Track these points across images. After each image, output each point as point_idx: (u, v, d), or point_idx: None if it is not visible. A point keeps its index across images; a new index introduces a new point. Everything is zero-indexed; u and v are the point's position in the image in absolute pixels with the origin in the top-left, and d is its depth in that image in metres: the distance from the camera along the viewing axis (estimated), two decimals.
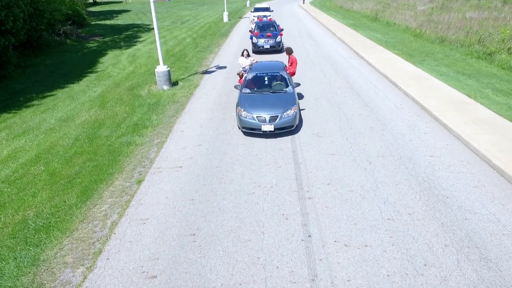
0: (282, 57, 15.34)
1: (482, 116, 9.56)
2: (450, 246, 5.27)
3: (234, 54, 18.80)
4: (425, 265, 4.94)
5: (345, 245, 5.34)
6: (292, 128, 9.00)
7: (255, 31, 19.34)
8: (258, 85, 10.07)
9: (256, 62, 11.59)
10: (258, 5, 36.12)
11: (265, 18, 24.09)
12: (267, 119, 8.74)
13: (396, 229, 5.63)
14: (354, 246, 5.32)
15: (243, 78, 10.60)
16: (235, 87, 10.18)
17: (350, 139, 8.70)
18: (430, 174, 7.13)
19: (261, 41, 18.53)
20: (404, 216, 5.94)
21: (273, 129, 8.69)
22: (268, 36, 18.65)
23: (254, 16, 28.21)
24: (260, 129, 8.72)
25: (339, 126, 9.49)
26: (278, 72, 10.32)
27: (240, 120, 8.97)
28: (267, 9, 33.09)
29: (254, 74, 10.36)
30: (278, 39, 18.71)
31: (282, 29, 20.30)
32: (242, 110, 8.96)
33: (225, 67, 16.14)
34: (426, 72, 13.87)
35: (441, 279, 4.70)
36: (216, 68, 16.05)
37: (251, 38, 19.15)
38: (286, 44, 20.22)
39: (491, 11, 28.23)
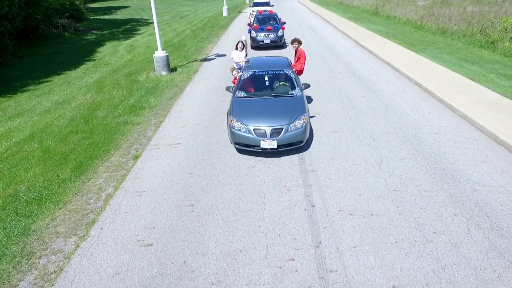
0: (285, 54, 14.48)
1: (487, 98, 9.34)
2: (460, 215, 5.04)
3: (234, 43, 18.50)
4: (434, 232, 4.71)
5: (350, 214, 5.11)
6: (302, 144, 6.88)
7: (254, 24, 17.63)
8: (257, 86, 7.90)
9: (248, 61, 8.78)
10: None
11: (266, 11, 22.90)
12: (268, 132, 6.50)
13: (402, 200, 5.41)
14: (360, 215, 5.09)
15: (238, 77, 8.25)
16: (227, 89, 7.92)
17: (353, 118, 8.48)
18: (436, 150, 6.91)
19: (260, 35, 16.59)
20: (410, 187, 5.71)
21: (275, 146, 6.48)
22: (268, 29, 16.78)
23: (253, 11, 26.15)
24: (259, 146, 6.51)
25: (341, 107, 9.26)
26: (282, 70, 8.06)
27: (231, 133, 6.71)
28: (267, 4, 30.73)
29: (251, 72, 8.03)
30: (280, 33, 16.81)
31: (284, 22, 18.61)
32: (235, 121, 6.71)
33: (224, 55, 15.91)
34: (428, 59, 13.67)
35: (452, 245, 4.47)
36: (216, 56, 15.83)
37: (250, 32, 17.32)
38: (289, 39, 18.32)
39: (491, 6, 28.06)
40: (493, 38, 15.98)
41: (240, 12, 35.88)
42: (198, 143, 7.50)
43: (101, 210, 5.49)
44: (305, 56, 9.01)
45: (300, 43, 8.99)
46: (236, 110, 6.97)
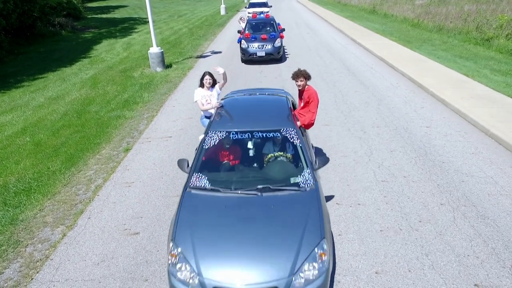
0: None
1: (479, 92, 9.36)
2: (446, 204, 5.05)
3: (230, 41, 18.61)
4: (420, 221, 4.72)
5: (336, 203, 5.13)
6: None
7: (246, 31, 14.21)
8: (232, 166, 4.39)
9: (221, 105, 5.12)
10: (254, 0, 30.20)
11: (261, 15, 19.82)
12: None
13: (390, 190, 5.42)
14: (346, 204, 5.10)
15: (200, 144, 4.48)
16: (180, 165, 4.26)
17: (345, 112, 8.50)
18: (426, 142, 6.93)
19: (253, 46, 13.16)
20: (399, 178, 5.73)
21: None
22: (263, 39, 13.40)
23: (248, 13, 23.88)
24: None
25: (334, 101, 9.28)
26: (278, 132, 4.42)
27: None
28: (264, 4, 28.31)
29: (222, 133, 4.44)
30: (278, 43, 13.35)
31: (283, 29, 15.03)
32: (179, 259, 3.28)
33: (220, 52, 15.93)
34: (423, 56, 13.69)
35: (436, 234, 4.48)
36: (211, 53, 15.84)
37: (239, 42, 13.62)
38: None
39: (489, 4, 28.08)
40: (489, 35, 16.01)
41: (238, 10, 35.91)
42: (189, 136, 7.51)
43: (89, 200, 5.50)
44: (317, 100, 5.10)
45: (307, 78, 5.09)
46: (183, 229, 3.44)
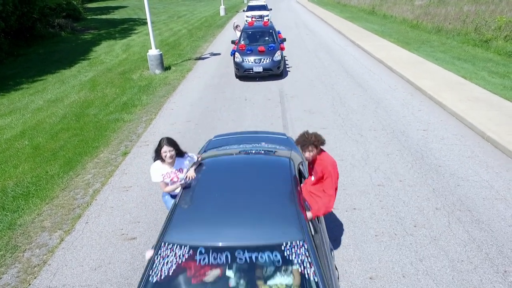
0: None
1: (477, 95, 9.39)
2: (442, 209, 5.09)
3: (229, 43, 18.61)
4: (414, 226, 4.76)
5: (332, 208, 5.15)
6: None
7: (241, 41, 12.55)
8: None
9: (199, 165, 3.73)
10: (252, 2, 27.96)
11: (259, 21, 18.74)
12: None
13: (386, 194, 5.45)
14: (342, 209, 5.14)
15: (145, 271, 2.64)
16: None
17: (342, 115, 8.53)
18: (423, 146, 6.96)
19: (249, 60, 11.26)
20: (395, 182, 5.76)
21: None
22: (260, 51, 11.53)
23: (247, 17, 22.89)
24: None
25: (332, 103, 9.31)
26: (277, 250, 2.54)
27: None
28: (263, 7, 25.75)
29: (182, 254, 2.58)
30: (278, 56, 11.43)
31: (284, 40, 13.09)
32: None
33: (219, 54, 15.96)
34: (421, 57, 13.71)
35: (431, 239, 4.52)
36: (210, 55, 15.88)
37: (233, 55, 11.81)
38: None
39: (488, 5, 28.10)
40: (487, 37, 16.03)
41: (237, 11, 35.94)
42: (187, 140, 7.54)
43: (87, 205, 5.53)
44: (336, 175, 3.55)
45: (317, 145, 3.53)
46: None
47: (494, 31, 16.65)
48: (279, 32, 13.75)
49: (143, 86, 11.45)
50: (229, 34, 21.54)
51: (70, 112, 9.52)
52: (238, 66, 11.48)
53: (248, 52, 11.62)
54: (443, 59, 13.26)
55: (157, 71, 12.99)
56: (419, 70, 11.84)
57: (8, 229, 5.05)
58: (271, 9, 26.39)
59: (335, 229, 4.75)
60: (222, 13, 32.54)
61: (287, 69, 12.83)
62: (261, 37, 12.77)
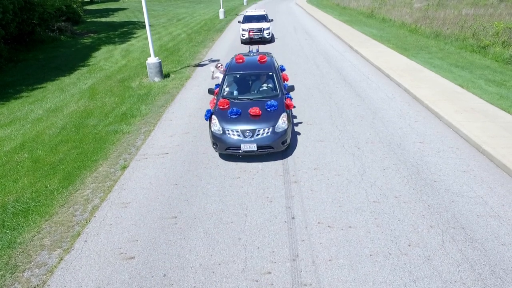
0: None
1: (473, 105, 9.46)
2: (436, 227, 5.16)
3: (228, 48, 18.70)
4: (409, 245, 4.83)
5: (328, 226, 5.23)
6: None
7: (223, 92, 7.98)
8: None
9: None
10: (250, 11, 22.01)
11: (258, 35, 17.72)
12: None
13: (381, 211, 5.52)
14: (338, 227, 5.21)
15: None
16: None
17: (340, 127, 8.60)
18: (419, 159, 7.03)
19: (234, 132, 6.93)
20: (390, 199, 5.83)
21: None
22: (253, 115, 7.09)
23: (243, 30, 18.90)
24: None
25: (330, 114, 9.38)
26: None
27: None
28: (263, 18, 20.39)
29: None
30: (282, 123, 7.03)
31: (292, 88, 8.16)
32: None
33: (218, 60, 16.01)
34: (419, 65, 13.78)
35: (425, 258, 4.59)
36: (209, 61, 15.93)
37: (208, 118, 7.42)
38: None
39: (487, 8, 28.20)
40: (485, 43, 16.10)
41: (236, 14, 35.98)
42: (186, 153, 7.61)
43: (86, 222, 5.60)
44: None
45: None
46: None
47: (492, 36, 16.72)
48: (282, 68, 9.34)
49: (142, 95, 11.51)
50: (228, 40, 21.55)
51: (69, 122, 9.58)
52: (216, 139, 6.88)
53: (233, 116, 6.99)
54: (441, 66, 13.33)
55: (156, 79, 13.06)
56: (417, 78, 11.91)
57: (8, 248, 5.11)
58: (272, 20, 21.08)
59: (331, 247, 4.82)
60: (221, 16, 32.59)
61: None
62: (255, 85, 8.10)
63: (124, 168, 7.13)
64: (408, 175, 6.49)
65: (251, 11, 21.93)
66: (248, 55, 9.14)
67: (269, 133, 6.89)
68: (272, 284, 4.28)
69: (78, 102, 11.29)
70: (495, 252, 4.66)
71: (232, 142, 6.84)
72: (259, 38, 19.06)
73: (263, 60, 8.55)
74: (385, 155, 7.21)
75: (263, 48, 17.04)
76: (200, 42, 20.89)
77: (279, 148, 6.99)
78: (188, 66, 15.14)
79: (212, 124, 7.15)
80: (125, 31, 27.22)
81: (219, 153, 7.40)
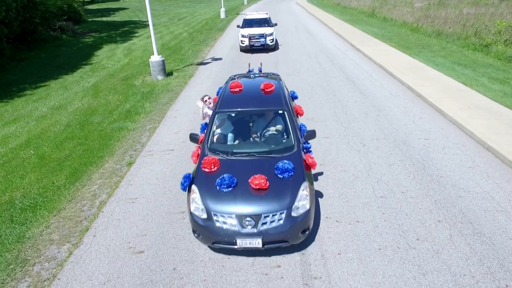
0: None
1: (477, 102, 9.48)
2: (443, 221, 5.18)
3: (230, 47, 18.72)
4: (417, 239, 4.84)
5: (336, 221, 5.25)
6: None
7: (208, 146, 5.28)
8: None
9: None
10: (250, 14, 19.39)
11: (259, 42, 15.78)
12: None
13: (388, 206, 5.54)
14: (346, 222, 5.22)
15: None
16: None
17: (345, 124, 8.61)
18: (425, 155, 7.04)
19: (223, 222, 4.33)
20: (397, 194, 5.85)
21: None
22: (257, 189, 4.47)
23: (243, 36, 16.43)
24: None
25: (334, 111, 9.40)
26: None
27: None
28: (265, 22, 17.89)
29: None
30: (303, 204, 4.44)
31: (313, 135, 5.56)
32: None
33: (220, 59, 16.04)
34: (422, 63, 13.80)
35: (433, 252, 4.61)
36: (212, 60, 15.95)
37: (185, 188, 4.77)
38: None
39: (488, 7, 28.22)
40: (487, 41, 16.13)
41: (238, 14, 36.00)
42: (191, 149, 7.59)
43: (94, 217, 5.62)
44: None
45: None
46: None
47: (494, 35, 16.74)
48: (293, 96, 7.05)
49: (145, 93, 11.53)
50: (229, 39, 21.55)
51: (74, 120, 9.60)
52: (197, 227, 4.51)
53: (225, 189, 4.54)
54: (444, 65, 13.35)
55: (159, 77, 13.07)
56: (420, 76, 11.93)
57: (17, 242, 5.13)
58: (275, 24, 18.43)
59: (339, 241, 4.84)
60: (222, 15, 32.61)
61: (288, 75, 12.91)
62: (258, 128, 5.83)
63: (130, 164, 7.15)
64: (414, 171, 6.51)
65: (252, 13, 19.45)
66: (248, 77, 7.02)
67: (281, 220, 4.32)
68: (282, 277, 4.30)
69: (82, 100, 11.30)
70: (503, 246, 4.68)
71: (223, 234, 4.32)
72: (261, 45, 16.31)
73: (269, 90, 6.02)
74: (390, 152, 7.23)
75: (265, 58, 16.21)
76: (202, 41, 20.91)
77: (296, 240, 4.49)
78: (191, 65, 15.15)
79: (191, 200, 4.58)
80: (127, 30, 27.24)
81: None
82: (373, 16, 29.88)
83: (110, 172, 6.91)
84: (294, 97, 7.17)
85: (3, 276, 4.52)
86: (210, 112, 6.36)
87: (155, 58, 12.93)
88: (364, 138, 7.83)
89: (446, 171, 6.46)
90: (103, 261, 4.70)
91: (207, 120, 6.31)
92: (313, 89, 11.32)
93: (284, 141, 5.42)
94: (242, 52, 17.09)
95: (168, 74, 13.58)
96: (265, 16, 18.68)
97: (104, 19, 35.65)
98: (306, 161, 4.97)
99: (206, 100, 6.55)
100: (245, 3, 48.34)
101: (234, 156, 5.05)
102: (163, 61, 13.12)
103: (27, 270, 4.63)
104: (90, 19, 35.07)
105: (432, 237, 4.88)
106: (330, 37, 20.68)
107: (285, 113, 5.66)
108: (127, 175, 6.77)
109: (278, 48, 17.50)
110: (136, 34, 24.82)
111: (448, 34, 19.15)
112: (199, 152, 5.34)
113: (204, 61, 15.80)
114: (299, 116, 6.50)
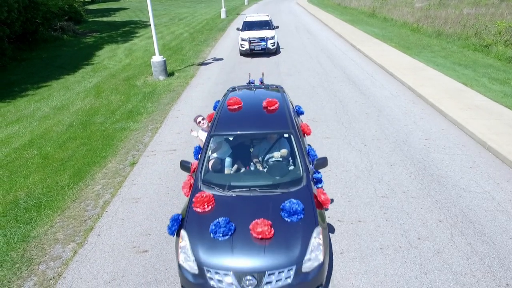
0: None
1: (477, 103, 9.53)
2: (444, 221, 5.23)
3: (231, 47, 18.77)
4: (418, 238, 4.90)
5: (338, 220, 5.30)
6: None
7: (201, 178, 4.50)
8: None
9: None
10: (250, 17, 18.37)
11: (260, 46, 15.21)
12: None
13: (390, 206, 5.59)
14: (348, 221, 5.27)
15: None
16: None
17: (346, 124, 8.66)
18: (425, 156, 7.09)
19: (218, 281, 3.58)
20: (398, 194, 5.90)
21: None
22: (259, 238, 3.66)
23: (242, 40, 15.76)
24: None
25: (335, 112, 9.45)
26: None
27: None
28: (266, 25, 17.09)
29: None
30: (315, 256, 3.67)
31: (324, 163, 4.62)
32: None
33: (221, 59, 16.09)
34: (422, 63, 13.85)
35: (435, 251, 4.66)
36: (213, 60, 16.00)
37: (172, 232, 3.99)
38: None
39: (488, 7, 28.27)
40: (487, 42, 16.18)
41: (238, 14, 36.04)
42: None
43: (98, 217, 5.67)
44: None
45: None
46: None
47: (494, 36, 16.79)
48: (298, 112, 6.57)
49: (147, 93, 11.58)
50: (230, 39, 21.57)
51: (76, 120, 9.65)
52: (188, 285, 3.77)
53: (220, 237, 3.74)
54: (444, 65, 13.40)
55: (161, 77, 13.12)
56: (420, 77, 11.98)
57: (22, 241, 5.18)
58: (277, 27, 17.74)
59: (341, 241, 4.89)
60: (223, 15, 32.65)
61: (289, 76, 12.95)
62: (259, 153, 5.18)
63: (133, 164, 7.20)
64: (415, 171, 6.56)
65: (252, 15, 18.54)
66: (249, 89, 6.38)
67: (289, 278, 3.57)
68: None
69: (84, 100, 11.35)
70: (504, 245, 4.73)
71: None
72: (262, 49, 15.76)
73: (272, 108, 5.25)
74: (391, 152, 7.28)
75: (266, 59, 16.05)
76: (203, 41, 20.95)
77: None
78: (192, 65, 15.20)
79: (180, 250, 3.85)
80: (127, 30, 27.28)
81: None
82: (373, 16, 29.93)
83: (113, 172, 6.96)
84: (299, 112, 6.62)
85: (10, 275, 4.57)
86: (204, 136, 5.60)
87: (157, 58, 12.98)
88: (365, 138, 7.88)
89: (446, 171, 6.51)
90: (108, 260, 4.75)
91: (198, 136, 5.84)
92: (314, 89, 11.37)
93: (290, 169, 4.71)
94: (242, 57, 16.65)
95: (170, 74, 13.63)
96: (266, 18, 17.84)
97: (105, 19, 35.70)
98: (318, 198, 4.19)
99: (199, 122, 5.71)
100: (246, 3, 48.36)
101: (232, 191, 4.24)
102: (164, 61, 13.17)
103: (32, 269, 4.69)
104: (90, 19, 35.12)
105: (433, 236, 4.93)
106: (331, 37, 20.73)
107: (292, 136, 4.88)
108: (130, 175, 6.82)
109: (279, 52, 16.85)
110: (137, 34, 24.87)
111: (449, 34, 19.20)
112: (192, 182, 4.59)
113: (205, 62, 15.84)
114: (305, 135, 5.85)
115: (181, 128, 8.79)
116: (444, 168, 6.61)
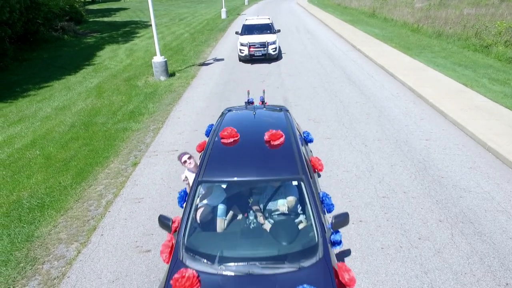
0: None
1: (478, 103, 9.57)
2: (445, 221, 5.27)
3: (231, 47, 18.81)
4: (419, 238, 4.94)
5: None
6: None
7: (183, 241, 3.46)
8: None
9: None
10: (250, 19, 17.39)
11: (260, 51, 14.35)
12: None
13: (391, 206, 5.63)
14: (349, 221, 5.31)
15: None
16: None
17: (346, 124, 8.71)
18: (426, 156, 7.14)
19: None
20: (399, 194, 5.94)
21: None
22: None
23: (242, 45, 14.75)
24: None
25: (336, 112, 9.49)
26: None
27: None
28: (267, 28, 16.18)
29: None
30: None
31: (345, 221, 3.71)
32: None
33: (222, 59, 16.14)
34: (423, 64, 13.89)
35: (435, 251, 4.70)
36: (214, 60, 16.05)
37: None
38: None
39: (488, 8, 28.30)
40: (488, 42, 16.22)
41: (238, 14, 36.09)
42: (195, 150, 7.70)
43: (101, 216, 5.71)
44: None
45: None
46: None
47: (494, 36, 16.83)
48: (306, 140, 5.69)
49: (149, 94, 11.62)
50: (231, 40, 21.63)
51: (78, 120, 9.69)
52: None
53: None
54: (444, 65, 13.44)
55: (162, 78, 13.17)
56: (421, 77, 12.02)
57: (26, 241, 5.22)
58: (279, 31, 16.57)
59: (343, 241, 4.92)
60: (223, 15, 32.69)
61: (290, 76, 12.99)
62: (260, 203, 4.22)
63: (135, 164, 7.24)
64: (416, 171, 6.60)
65: (252, 18, 17.54)
66: (248, 111, 5.44)
67: None
68: None
69: (86, 100, 11.40)
70: (503, 245, 4.78)
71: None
72: (262, 55, 14.77)
73: (276, 142, 4.19)
74: (392, 152, 7.32)
75: (266, 63, 15.36)
76: (204, 41, 21.00)
77: None
78: (193, 65, 15.24)
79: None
80: (128, 30, 27.32)
81: None
82: (373, 16, 29.97)
83: (115, 172, 7.00)
84: (308, 140, 5.59)
85: (14, 274, 4.62)
86: (192, 178, 4.48)
87: (158, 59, 13.03)
88: (366, 139, 7.92)
89: (447, 172, 6.55)
90: (111, 260, 4.80)
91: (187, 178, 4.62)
92: (315, 89, 11.41)
93: (300, 229, 3.66)
94: (241, 63, 15.62)
95: (171, 74, 13.67)
96: (267, 21, 16.72)
97: (105, 19, 35.74)
98: (340, 277, 3.09)
99: (185, 161, 4.64)
100: (246, 3, 48.39)
101: (224, 265, 3.16)
102: (165, 61, 13.21)
103: (37, 268, 4.73)
104: (91, 20, 35.16)
105: (433, 236, 4.97)
106: (331, 38, 20.77)
107: (302, 184, 3.74)
108: (132, 175, 6.86)
109: (281, 58, 15.82)
110: (138, 35, 24.91)
111: (449, 35, 19.24)
112: (173, 245, 3.50)
113: (206, 62, 15.89)
114: (316, 170, 4.72)
115: (183, 129, 8.84)
116: (444, 169, 6.65)
